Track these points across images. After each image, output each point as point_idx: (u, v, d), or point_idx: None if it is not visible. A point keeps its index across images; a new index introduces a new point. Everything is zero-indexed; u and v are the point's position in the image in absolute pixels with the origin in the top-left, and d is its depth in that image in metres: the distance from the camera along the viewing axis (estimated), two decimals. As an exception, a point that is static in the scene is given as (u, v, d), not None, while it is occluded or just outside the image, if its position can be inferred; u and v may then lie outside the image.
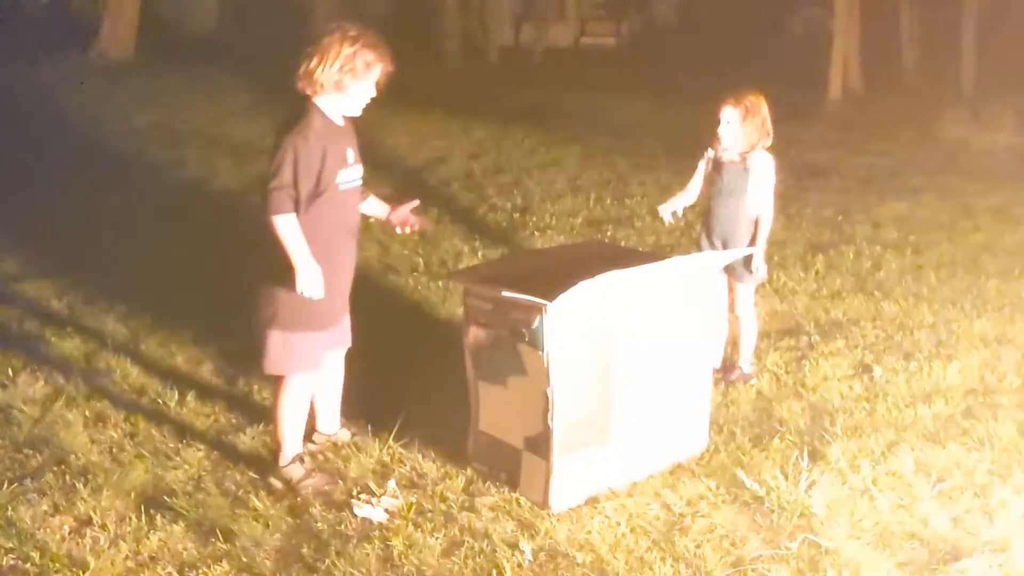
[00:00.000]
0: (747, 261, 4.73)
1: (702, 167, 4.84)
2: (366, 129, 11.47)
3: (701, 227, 4.93)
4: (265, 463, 4.08)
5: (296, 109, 3.72)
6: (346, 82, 3.69)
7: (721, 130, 4.68)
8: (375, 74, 3.76)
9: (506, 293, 3.63)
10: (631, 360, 3.85)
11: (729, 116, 4.65)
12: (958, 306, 6.04)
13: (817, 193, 9.18)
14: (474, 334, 3.94)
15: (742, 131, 4.64)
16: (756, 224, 4.72)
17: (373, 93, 3.80)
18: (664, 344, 3.97)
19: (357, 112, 3.84)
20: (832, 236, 7.73)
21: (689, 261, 4.27)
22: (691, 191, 4.91)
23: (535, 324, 3.59)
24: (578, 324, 3.65)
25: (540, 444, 3.72)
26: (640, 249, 6.61)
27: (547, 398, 3.64)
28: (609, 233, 7.65)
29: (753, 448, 4.18)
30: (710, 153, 4.78)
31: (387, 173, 9.60)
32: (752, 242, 4.72)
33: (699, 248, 4.86)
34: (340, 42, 3.68)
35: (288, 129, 3.65)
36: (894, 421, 4.47)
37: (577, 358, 3.69)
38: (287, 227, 3.61)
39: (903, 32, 17.76)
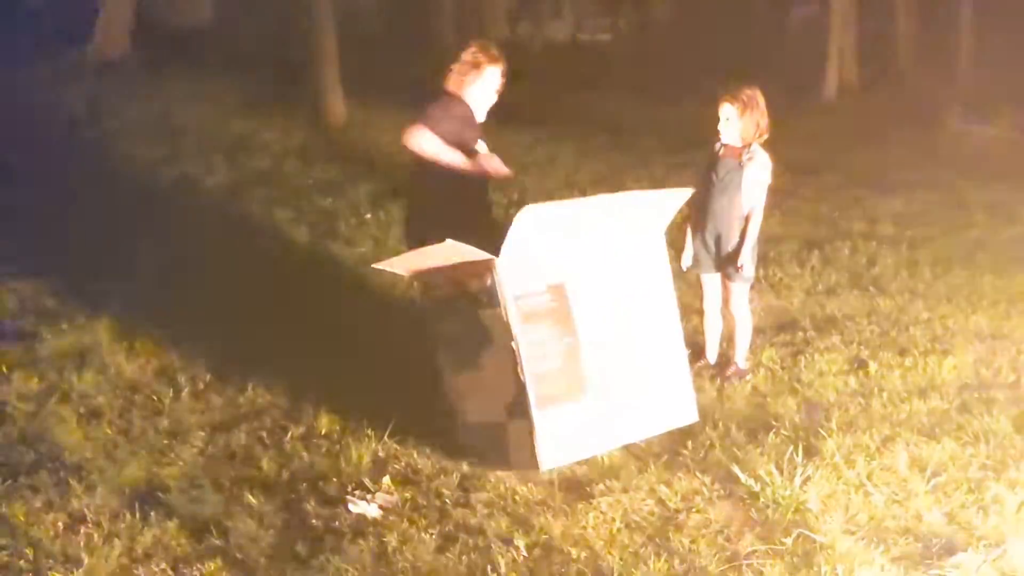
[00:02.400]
0: (734, 259, 4.73)
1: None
2: (360, 126, 11.46)
3: (691, 222, 4.92)
4: (259, 460, 4.08)
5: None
6: (456, 76, 4.40)
7: (721, 127, 4.69)
8: (487, 77, 4.41)
9: (451, 242, 3.67)
10: (588, 309, 3.90)
11: (728, 113, 4.66)
12: (953, 302, 6.05)
13: (813, 189, 9.20)
14: (439, 325, 4.06)
15: (741, 125, 4.65)
16: (746, 221, 4.72)
17: (492, 97, 4.47)
18: (618, 294, 4.03)
19: (481, 117, 4.46)
20: (828, 232, 7.74)
21: (631, 196, 4.41)
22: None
23: (489, 283, 3.71)
24: (530, 274, 3.77)
25: (519, 405, 3.77)
26: None
27: (515, 352, 3.70)
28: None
29: (748, 443, 4.18)
30: (717, 147, 4.78)
31: (383, 170, 9.59)
32: (741, 239, 4.72)
33: (690, 244, 4.87)
34: (461, 51, 4.46)
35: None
36: (889, 416, 4.47)
37: (534, 309, 3.77)
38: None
39: (899, 28, 17.78)
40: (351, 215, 8.04)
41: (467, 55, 4.44)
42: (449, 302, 4.02)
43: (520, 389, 3.75)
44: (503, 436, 3.87)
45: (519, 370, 3.72)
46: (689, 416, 4.20)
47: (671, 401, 4.17)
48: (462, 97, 4.42)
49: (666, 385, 4.16)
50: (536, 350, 3.76)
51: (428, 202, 4.37)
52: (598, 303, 3.96)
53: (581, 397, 3.88)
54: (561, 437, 3.80)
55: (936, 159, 10.76)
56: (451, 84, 4.44)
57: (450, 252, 3.72)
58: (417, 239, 4.22)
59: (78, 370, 4.94)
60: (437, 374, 4.32)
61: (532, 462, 3.77)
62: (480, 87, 4.43)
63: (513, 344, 3.72)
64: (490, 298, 3.75)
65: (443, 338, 4.11)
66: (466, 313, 3.88)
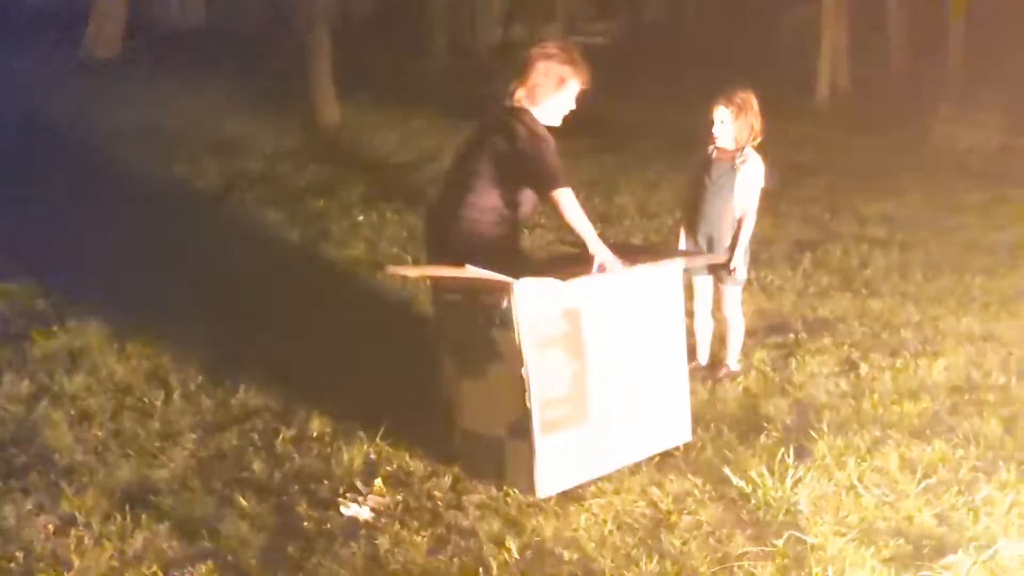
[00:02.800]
0: (727, 262, 4.74)
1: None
2: (353, 128, 11.48)
3: (683, 224, 4.93)
4: (250, 462, 4.07)
5: (510, 118, 4.05)
6: (539, 95, 4.07)
7: (715, 130, 4.70)
8: (571, 88, 4.13)
9: (471, 268, 3.66)
10: (600, 335, 3.89)
11: (722, 116, 4.67)
12: (944, 304, 6.07)
13: (805, 191, 9.22)
14: (450, 329, 4.00)
15: (735, 128, 4.66)
16: (739, 225, 4.73)
17: (571, 106, 4.17)
18: (631, 321, 4.01)
19: (556, 122, 4.17)
20: (819, 234, 7.76)
21: (668, 266, 4.27)
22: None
23: (504, 305, 3.66)
24: (545, 302, 3.73)
25: (522, 427, 3.75)
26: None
27: (523, 379, 3.68)
28: (597, 231, 7.65)
29: (739, 445, 4.18)
30: (711, 150, 4.78)
31: (375, 172, 9.59)
32: (734, 243, 4.73)
33: (682, 246, 4.88)
34: (537, 59, 4.09)
35: (514, 135, 3.99)
36: (880, 418, 4.48)
37: (548, 336, 3.74)
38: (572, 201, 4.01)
39: (891, 31, 17.84)
40: (343, 217, 8.04)
41: (551, 69, 4.06)
42: (461, 308, 3.95)
43: (525, 413, 3.72)
44: (501, 454, 3.85)
45: (526, 397, 3.70)
46: (684, 435, 4.21)
47: (669, 422, 4.17)
48: (536, 113, 4.07)
49: (666, 407, 4.16)
50: (545, 377, 3.73)
51: (471, 222, 4.08)
52: (610, 327, 3.92)
53: (584, 423, 3.87)
54: (560, 464, 3.79)
55: (927, 162, 10.79)
56: (529, 98, 4.08)
57: (470, 276, 3.70)
58: (443, 254, 4.09)
59: (69, 372, 4.93)
60: (436, 371, 4.31)
61: (529, 487, 3.76)
62: (565, 100, 4.13)
63: (523, 371, 3.68)
64: (503, 319, 3.70)
65: (450, 339, 4.07)
66: (477, 325, 3.83)
